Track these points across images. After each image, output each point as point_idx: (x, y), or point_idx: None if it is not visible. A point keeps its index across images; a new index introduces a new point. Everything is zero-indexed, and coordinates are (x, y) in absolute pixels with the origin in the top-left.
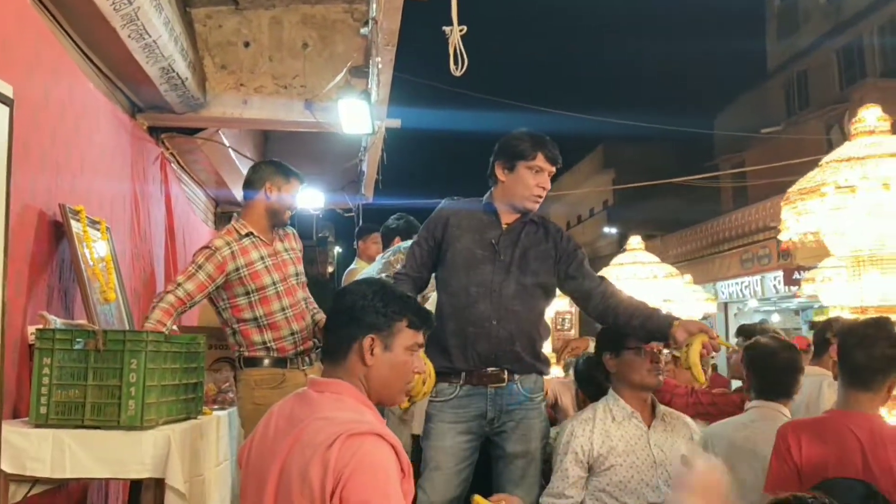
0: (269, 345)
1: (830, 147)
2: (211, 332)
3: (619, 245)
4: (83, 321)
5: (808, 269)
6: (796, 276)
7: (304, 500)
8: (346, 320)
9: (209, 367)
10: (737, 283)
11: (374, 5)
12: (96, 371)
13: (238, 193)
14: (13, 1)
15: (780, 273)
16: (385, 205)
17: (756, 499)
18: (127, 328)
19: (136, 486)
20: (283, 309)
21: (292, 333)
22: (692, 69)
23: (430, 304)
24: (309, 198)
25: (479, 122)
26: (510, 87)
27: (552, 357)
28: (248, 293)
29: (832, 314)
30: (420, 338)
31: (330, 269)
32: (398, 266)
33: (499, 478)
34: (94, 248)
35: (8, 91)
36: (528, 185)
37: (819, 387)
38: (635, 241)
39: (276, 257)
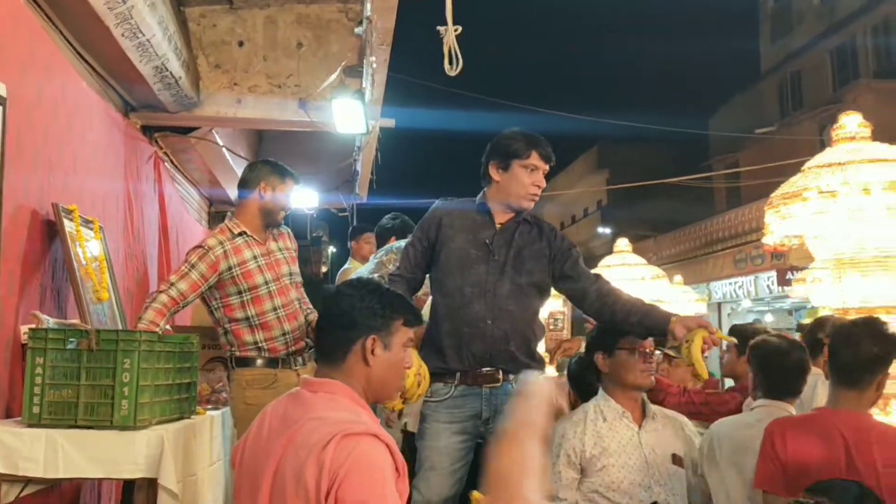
0: (260, 345)
1: (823, 147)
2: (204, 332)
3: (614, 245)
4: (76, 321)
5: (802, 269)
6: (789, 276)
7: (298, 500)
8: (345, 322)
9: (202, 367)
10: (730, 284)
11: (369, 5)
12: (89, 371)
13: (232, 193)
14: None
15: (773, 273)
16: (379, 204)
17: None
18: (120, 328)
19: (128, 486)
20: (275, 309)
21: (284, 334)
22: (686, 70)
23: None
24: (303, 197)
25: (474, 122)
26: (505, 87)
27: (546, 357)
28: (240, 292)
29: (821, 315)
30: (412, 334)
31: (324, 269)
32: (390, 266)
33: None
34: (87, 247)
35: (1, 90)
36: (523, 183)
37: (814, 386)
38: (623, 243)
39: (269, 257)
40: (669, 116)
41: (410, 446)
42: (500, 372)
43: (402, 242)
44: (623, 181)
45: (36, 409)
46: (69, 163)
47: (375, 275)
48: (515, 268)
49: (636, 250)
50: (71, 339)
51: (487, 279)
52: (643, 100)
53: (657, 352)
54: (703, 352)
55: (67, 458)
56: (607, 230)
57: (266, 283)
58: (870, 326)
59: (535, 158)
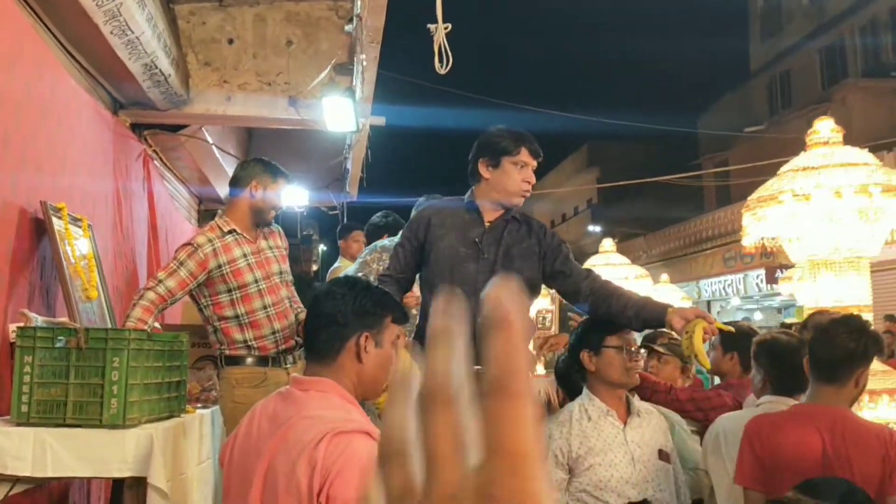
0: (249, 343)
1: None
2: (194, 331)
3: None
4: (65, 319)
5: (790, 267)
6: (778, 274)
7: (290, 498)
8: (338, 319)
9: (192, 366)
10: (719, 282)
11: (359, 2)
12: (78, 369)
13: (221, 191)
14: None
15: (762, 271)
16: (369, 203)
17: None
18: (109, 326)
19: (118, 484)
20: (264, 307)
21: (273, 332)
22: (676, 69)
23: None
24: (293, 195)
25: (464, 119)
26: (495, 85)
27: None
28: (229, 290)
29: (813, 312)
30: (400, 331)
31: (314, 268)
32: (374, 265)
33: None
34: (76, 245)
35: None
36: (514, 180)
37: None
38: (608, 243)
39: (259, 255)
40: (659, 115)
41: None
42: None
43: (386, 241)
44: (613, 179)
45: (24, 408)
46: (58, 160)
47: (360, 274)
48: (505, 266)
49: (626, 248)
50: (60, 338)
51: (478, 277)
52: (633, 98)
53: (642, 351)
54: (703, 342)
55: (56, 457)
56: (597, 228)
57: (256, 281)
58: (847, 322)
59: (524, 154)
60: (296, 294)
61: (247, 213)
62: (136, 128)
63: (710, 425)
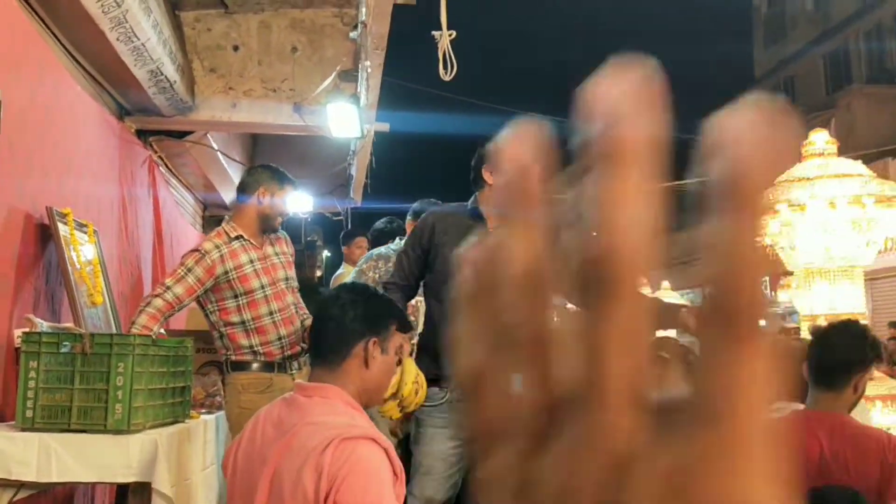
0: (255, 349)
1: None
2: (199, 336)
3: None
4: (70, 324)
5: (791, 274)
6: (782, 280)
7: None
8: (345, 325)
9: (197, 371)
10: None
11: (364, 9)
12: (83, 375)
13: (226, 197)
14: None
15: (765, 278)
16: (374, 208)
17: None
18: (114, 331)
19: (122, 490)
20: (270, 313)
21: (279, 338)
22: (680, 75)
23: None
24: (297, 201)
25: (468, 126)
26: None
27: None
28: (236, 296)
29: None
30: (403, 339)
31: (318, 273)
32: (370, 273)
33: None
34: (82, 251)
35: None
36: None
37: None
38: None
39: (265, 261)
40: None
41: (405, 451)
42: None
43: (382, 249)
44: None
45: (29, 413)
46: (63, 166)
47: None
48: None
49: None
50: (65, 343)
51: None
52: None
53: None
54: None
55: (61, 463)
56: None
57: (262, 287)
58: (846, 328)
59: None
60: (301, 300)
61: (254, 220)
62: (142, 134)
63: None
